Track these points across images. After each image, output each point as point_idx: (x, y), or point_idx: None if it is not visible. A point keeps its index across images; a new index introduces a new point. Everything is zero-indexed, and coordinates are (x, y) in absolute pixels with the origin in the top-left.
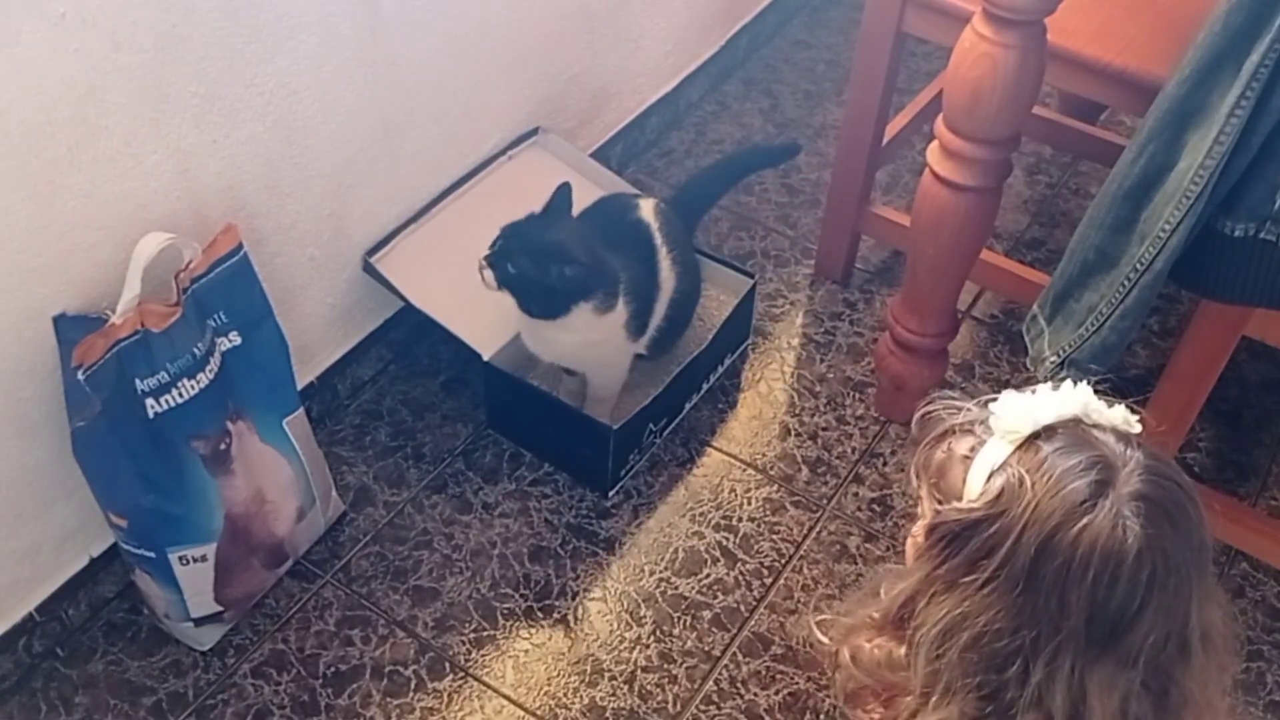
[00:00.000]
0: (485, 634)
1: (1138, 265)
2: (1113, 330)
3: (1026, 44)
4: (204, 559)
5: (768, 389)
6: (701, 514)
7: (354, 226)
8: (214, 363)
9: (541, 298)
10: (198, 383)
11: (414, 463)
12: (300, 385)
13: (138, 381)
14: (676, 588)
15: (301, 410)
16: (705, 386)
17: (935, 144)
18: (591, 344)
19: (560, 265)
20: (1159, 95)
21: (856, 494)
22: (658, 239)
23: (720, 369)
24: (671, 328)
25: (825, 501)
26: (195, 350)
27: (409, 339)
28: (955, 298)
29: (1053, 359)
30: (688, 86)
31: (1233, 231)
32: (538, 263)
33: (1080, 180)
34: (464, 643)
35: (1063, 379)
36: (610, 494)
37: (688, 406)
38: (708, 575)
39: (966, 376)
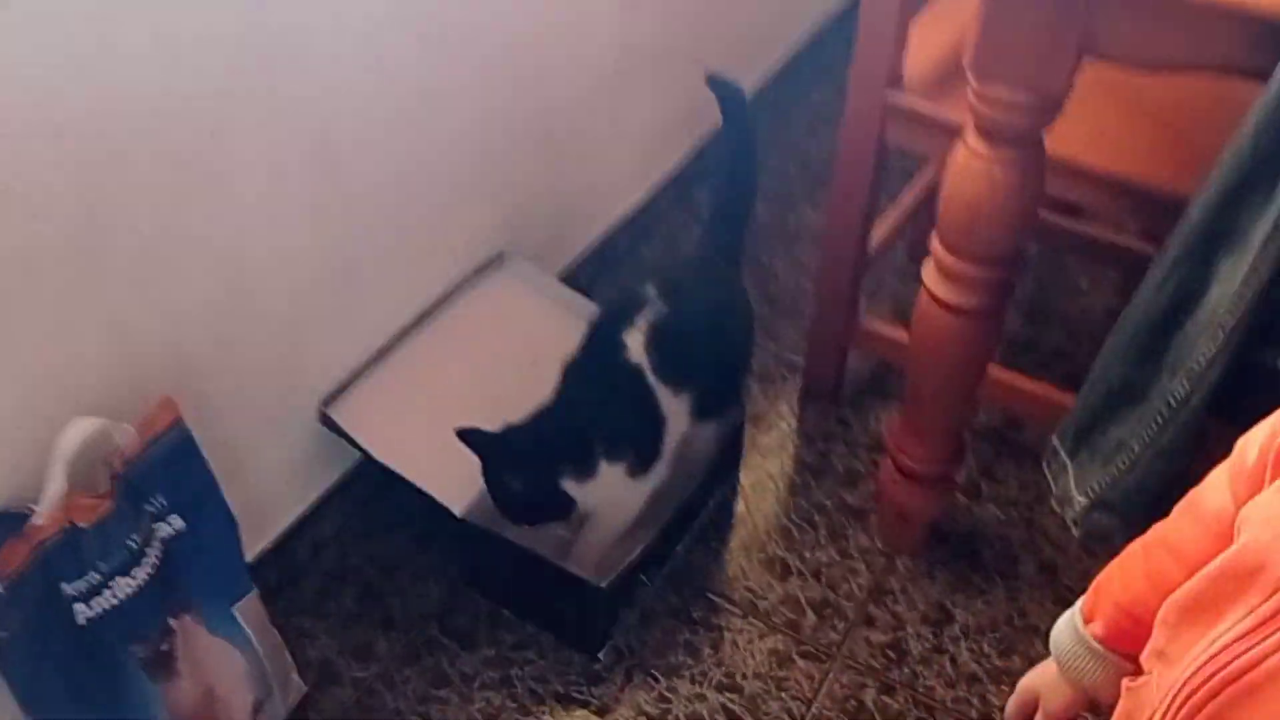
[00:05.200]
0: None
1: (1170, 400)
2: (1149, 470)
3: (1024, 159)
4: None
5: (763, 524)
6: (702, 673)
7: (309, 375)
8: (153, 554)
9: (522, 510)
10: (134, 579)
11: (383, 631)
12: (254, 554)
13: (65, 585)
14: None
15: (254, 592)
16: (696, 524)
17: (931, 265)
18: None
19: (509, 475)
20: (1182, 219)
21: (868, 639)
22: (651, 379)
23: (710, 504)
24: (724, 385)
25: (835, 649)
26: (130, 543)
27: (373, 490)
28: (961, 422)
29: (1082, 500)
30: (657, 197)
31: (1274, 362)
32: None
33: (1069, 275)
34: None
35: (1093, 522)
36: (600, 655)
37: (678, 549)
38: None
39: (973, 497)
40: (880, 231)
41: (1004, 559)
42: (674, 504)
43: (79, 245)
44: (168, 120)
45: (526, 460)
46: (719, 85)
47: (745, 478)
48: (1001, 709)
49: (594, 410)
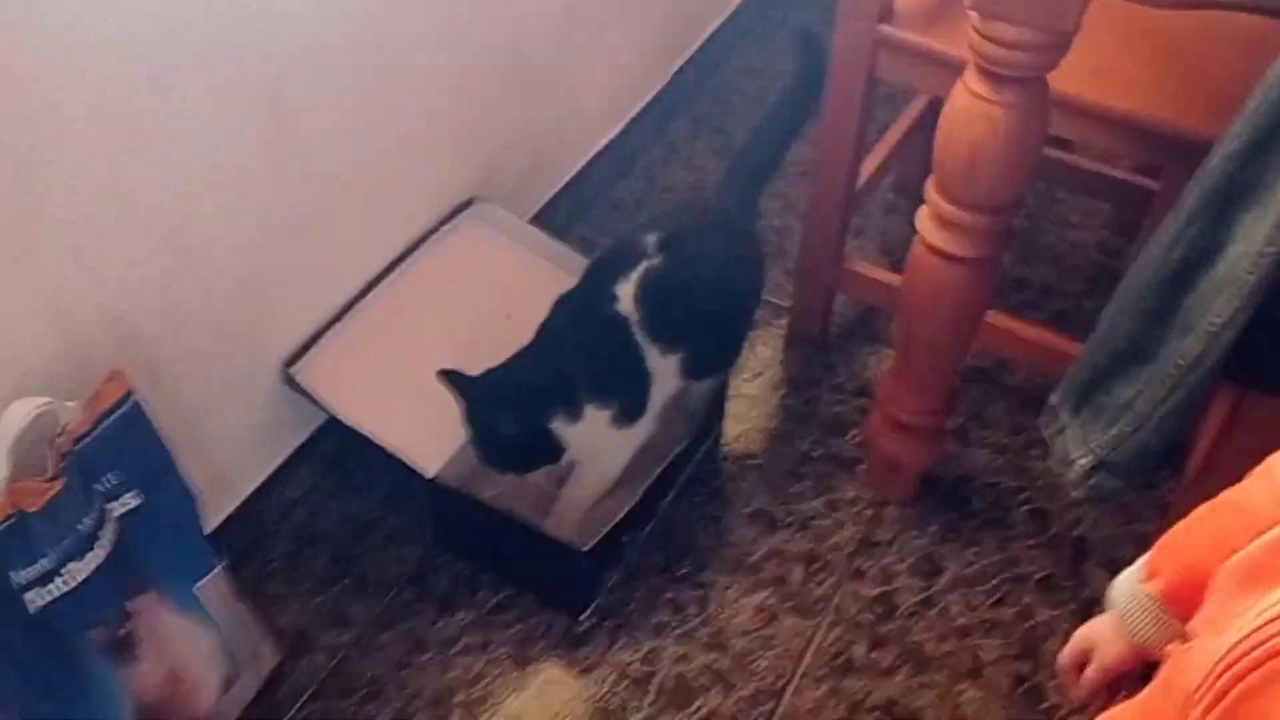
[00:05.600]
0: None
1: (1181, 360)
2: (1155, 431)
3: (1028, 101)
4: None
5: (747, 476)
6: (688, 632)
7: (270, 336)
8: (107, 535)
9: (508, 455)
10: (88, 563)
11: (357, 595)
12: (219, 519)
13: (14, 574)
14: None
15: (219, 568)
16: (681, 479)
17: (926, 213)
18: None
19: (493, 419)
20: (1200, 171)
21: (856, 592)
22: (638, 334)
23: (695, 458)
24: (719, 350)
25: (823, 604)
26: (82, 525)
27: (342, 449)
28: (954, 373)
29: (1083, 461)
30: (632, 131)
31: None
32: (487, 418)
33: (1060, 209)
34: None
35: (1095, 485)
36: (583, 617)
37: (662, 506)
38: (701, 707)
39: (962, 443)
40: (868, 167)
41: (994, 507)
42: (659, 461)
43: (9, 210)
44: (101, 66)
45: (511, 402)
46: (807, 41)
47: (729, 427)
48: (992, 662)
49: (576, 354)
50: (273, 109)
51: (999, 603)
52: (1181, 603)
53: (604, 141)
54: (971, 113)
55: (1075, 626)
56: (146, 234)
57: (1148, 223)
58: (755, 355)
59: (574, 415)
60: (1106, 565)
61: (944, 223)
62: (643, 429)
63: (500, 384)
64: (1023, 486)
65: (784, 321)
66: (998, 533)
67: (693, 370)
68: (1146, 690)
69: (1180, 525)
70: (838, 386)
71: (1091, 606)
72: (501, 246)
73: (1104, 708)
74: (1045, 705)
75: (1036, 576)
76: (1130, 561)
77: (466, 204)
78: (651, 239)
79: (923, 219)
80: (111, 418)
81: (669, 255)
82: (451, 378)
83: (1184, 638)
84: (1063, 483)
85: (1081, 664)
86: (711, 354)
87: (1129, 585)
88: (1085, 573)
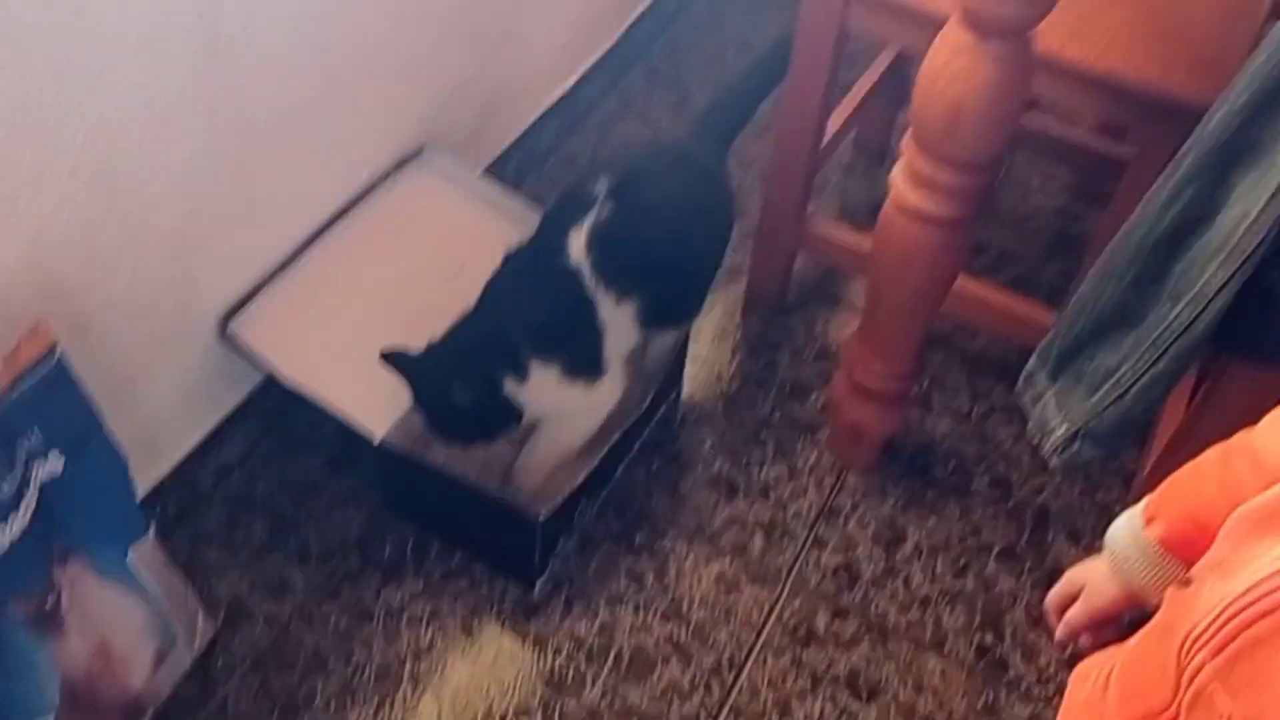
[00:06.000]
0: None
1: (1170, 327)
2: (1138, 400)
3: (1013, 54)
4: None
5: (707, 440)
6: (646, 601)
7: (205, 290)
8: (29, 499)
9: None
10: (9, 529)
11: (298, 563)
12: (151, 483)
13: None
14: (625, 698)
15: (150, 534)
16: (637, 444)
17: (901, 171)
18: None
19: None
20: (1196, 133)
21: (818, 561)
22: (589, 283)
23: (652, 422)
24: (678, 296)
25: (784, 573)
26: (2, 490)
27: (282, 407)
28: (923, 338)
29: (1062, 430)
30: (586, 84)
31: None
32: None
33: (1020, 173)
34: None
35: (1073, 454)
36: (537, 585)
37: (619, 470)
38: (660, 678)
39: (925, 408)
40: (832, 124)
41: (956, 474)
42: (616, 426)
43: None
44: None
45: (459, 370)
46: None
47: (687, 391)
48: (956, 632)
49: (520, 309)
50: (206, 41)
51: (961, 572)
52: (1182, 547)
53: (557, 94)
54: (954, 65)
55: (1039, 596)
56: (70, 174)
57: (1119, 189)
58: (713, 318)
59: (520, 374)
60: (1069, 535)
61: (920, 181)
62: (611, 392)
63: (445, 354)
64: (984, 454)
65: (742, 283)
66: (959, 501)
67: (651, 318)
68: (1141, 633)
69: (1188, 468)
70: (798, 350)
71: (1054, 576)
72: (453, 198)
73: (1087, 652)
74: (1009, 676)
75: (999, 546)
76: (1093, 531)
77: (417, 153)
78: (603, 184)
79: (897, 177)
80: (33, 373)
81: (621, 198)
82: (394, 360)
83: (1183, 583)
84: (1023, 451)
85: (1068, 605)
86: (671, 300)
87: (1127, 529)
88: (1047, 542)
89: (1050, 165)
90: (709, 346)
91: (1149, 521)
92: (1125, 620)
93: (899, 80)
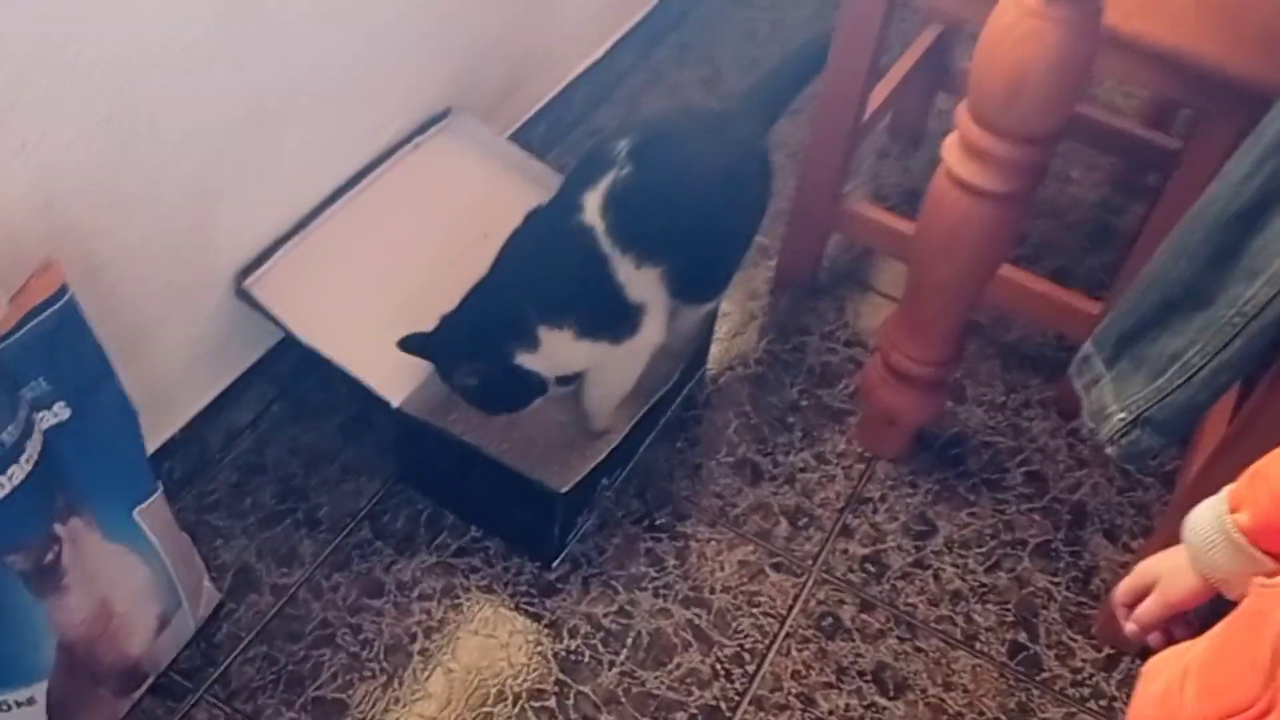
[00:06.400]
0: None
1: (1245, 308)
2: (1205, 385)
3: (1082, 20)
4: (31, 702)
5: (732, 423)
6: (666, 585)
7: (222, 242)
8: (32, 449)
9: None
10: (9, 479)
11: (308, 531)
12: (159, 442)
13: None
14: (643, 683)
15: (158, 493)
16: (661, 422)
17: (954, 140)
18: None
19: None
20: (1277, 104)
21: (845, 551)
22: (604, 244)
23: (677, 400)
24: (708, 267)
25: (810, 562)
26: (4, 436)
27: (297, 370)
28: (964, 322)
29: (1121, 415)
30: (617, 54)
31: None
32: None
33: (1060, 164)
34: None
35: (1131, 443)
36: (555, 564)
37: (641, 449)
38: (679, 665)
39: (958, 399)
40: (872, 102)
41: (990, 468)
42: (647, 399)
43: None
44: None
45: (468, 350)
46: None
47: (713, 371)
48: (988, 629)
49: (529, 272)
50: None
51: (994, 567)
52: (1270, 538)
53: (586, 63)
54: (1020, 29)
55: (1074, 595)
56: (85, 109)
57: (1178, 171)
58: (741, 298)
59: (530, 344)
60: (1106, 533)
61: (974, 152)
62: (653, 335)
63: (456, 330)
64: (1020, 447)
65: (772, 264)
66: (993, 495)
67: (680, 288)
68: (1222, 625)
69: (1272, 457)
70: (828, 335)
71: (1091, 575)
72: (478, 162)
73: (1157, 648)
74: (1043, 676)
75: (1033, 542)
76: (1130, 530)
77: (443, 115)
78: (624, 144)
79: (951, 149)
80: (42, 315)
81: (642, 160)
82: (410, 344)
83: (1272, 572)
84: (1059, 446)
85: (1140, 599)
86: (697, 271)
87: (1210, 516)
88: (1084, 539)
89: (1092, 156)
90: (737, 327)
91: (1234, 509)
92: (1193, 616)
93: (937, 63)
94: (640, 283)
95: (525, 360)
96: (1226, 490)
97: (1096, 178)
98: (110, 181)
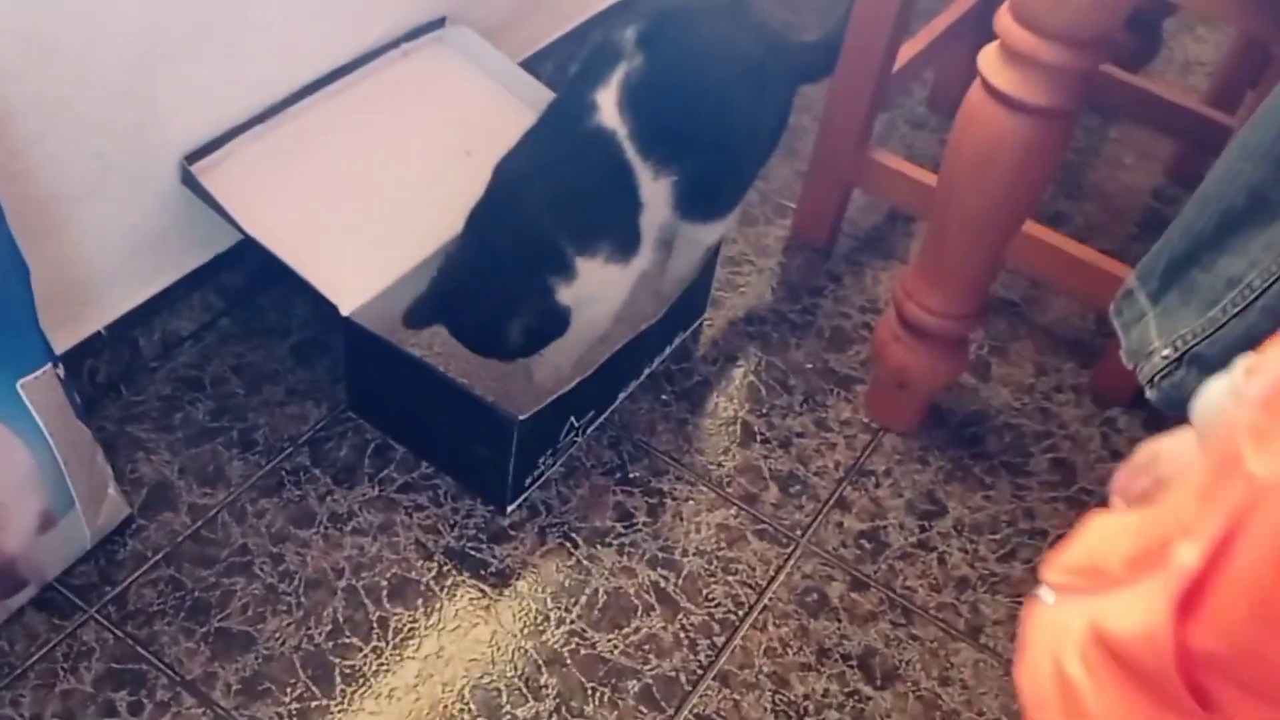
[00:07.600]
0: (314, 704)
1: None
2: (1267, 313)
3: None
4: None
5: (727, 379)
6: (633, 543)
7: (168, 117)
8: None
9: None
10: None
11: (240, 452)
12: (80, 336)
13: None
14: (593, 645)
15: (50, 367)
16: (646, 371)
17: (993, 49)
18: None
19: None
20: None
21: (840, 524)
22: (627, 147)
23: (667, 350)
24: (718, 177)
25: (799, 533)
26: None
27: (251, 284)
28: (993, 268)
29: (1166, 352)
30: None
31: None
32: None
33: (1113, 149)
34: (281, 716)
35: (1176, 383)
36: (510, 509)
37: (621, 396)
38: (637, 630)
39: (981, 377)
40: (903, 57)
41: (1011, 450)
42: (630, 333)
43: None
44: None
45: (502, 295)
46: None
47: (713, 324)
48: (995, 622)
49: (550, 195)
50: None
51: (1007, 556)
52: None
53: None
54: None
55: None
56: None
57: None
58: (751, 251)
59: (569, 275)
60: None
61: (1015, 59)
62: (637, 266)
63: (472, 273)
64: (1048, 432)
65: (786, 222)
66: (1013, 479)
67: (689, 200)
68: None
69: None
70: (842, 299)
71: None
72: (470, 75)
73: None
74: None
75: (1054, 534)
76: None
77: (438, 23)
78: (630, 31)
79: (989, 56)
80: None
81: (654, 47)
82: (417, 318)
83: None
84: (1092, 434)
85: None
86: (713, 182)
87: (1226, 389)
88: None
89: (1148, 143)
90: (744, 280)
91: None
92: None
93: (982, 25)
94: (653, 199)
95: (564, 295)
96: (1240, 360)
97: (1151, 166)
98: (40, 15)
